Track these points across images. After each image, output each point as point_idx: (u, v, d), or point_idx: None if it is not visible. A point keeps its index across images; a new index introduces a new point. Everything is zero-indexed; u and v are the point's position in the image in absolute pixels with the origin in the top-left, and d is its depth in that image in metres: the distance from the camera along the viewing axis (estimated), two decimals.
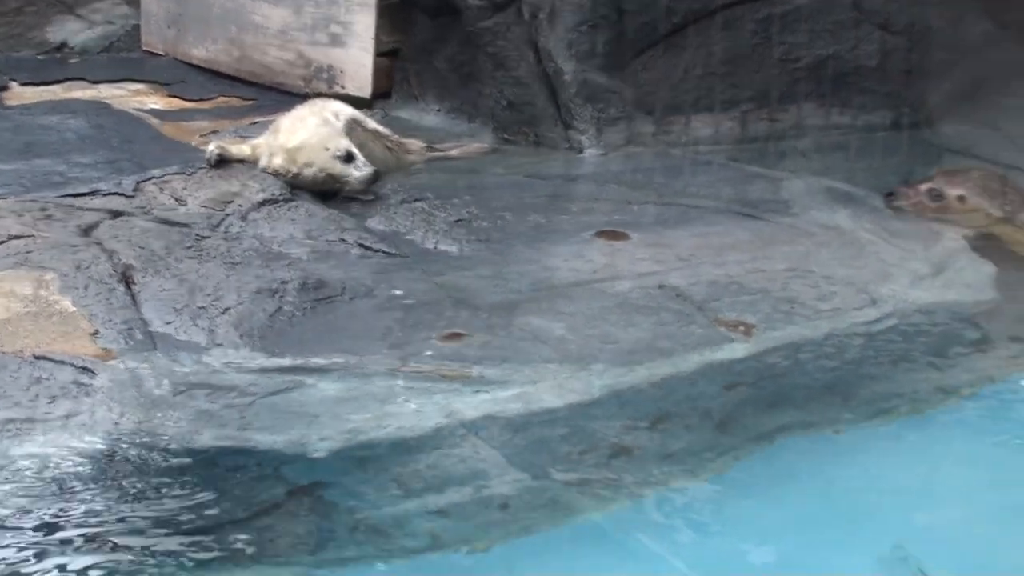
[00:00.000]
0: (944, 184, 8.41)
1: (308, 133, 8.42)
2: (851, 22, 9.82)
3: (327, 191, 8.31)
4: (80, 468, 5.41)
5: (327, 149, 8.32)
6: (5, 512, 5.11)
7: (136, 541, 5.03)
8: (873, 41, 9.85)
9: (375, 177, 8.33)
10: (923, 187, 8.41)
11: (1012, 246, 8.01)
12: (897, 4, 9.88)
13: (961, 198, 8.33)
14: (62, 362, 6.08)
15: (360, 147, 8.59)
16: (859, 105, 9.97)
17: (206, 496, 5.30)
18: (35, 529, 5.03)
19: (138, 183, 8.22)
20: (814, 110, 9.92)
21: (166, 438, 5.61)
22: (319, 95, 9.88)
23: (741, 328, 6.77)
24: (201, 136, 9.54)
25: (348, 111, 8.88)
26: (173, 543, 5.04)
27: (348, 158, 8.30)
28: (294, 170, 8.31)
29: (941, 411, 6.25)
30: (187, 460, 5.50)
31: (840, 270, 7.45)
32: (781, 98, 9.78)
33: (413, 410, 5.89)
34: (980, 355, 6.75)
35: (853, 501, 5.59)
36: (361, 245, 7.66)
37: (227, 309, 6.74)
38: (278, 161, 8.37)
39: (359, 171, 8.29)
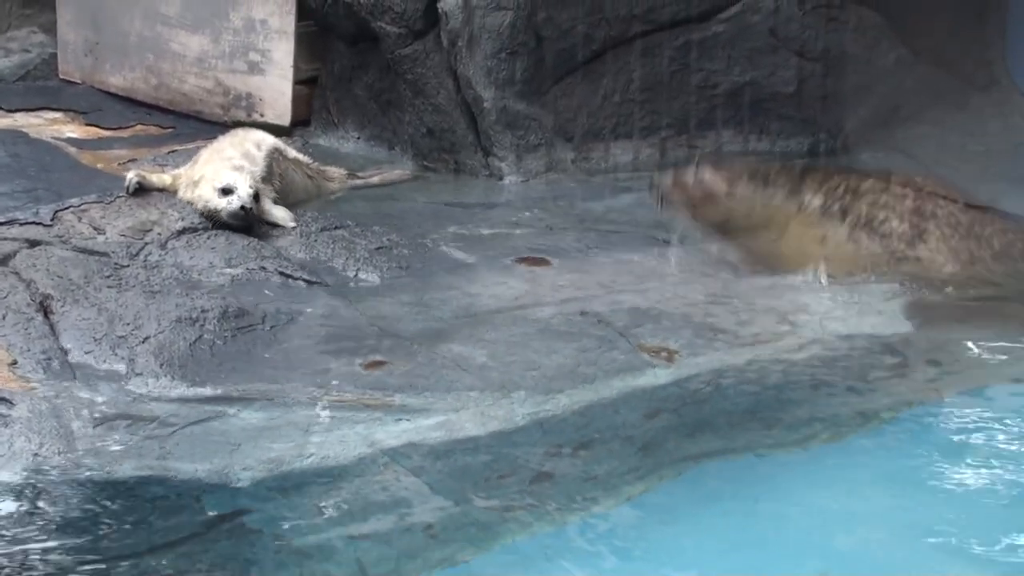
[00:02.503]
0: (710, 174, 8.09)
1: (213, 168, 8.38)
2: (768, 49, 9.90)
3: (217, 224, 8.21)
4: None
5: (212, 183, 8.26)
6: None
7: (56, 571, 5.01)
8: (790, 68, 9.94)
9: (244, 214, 8.15)
10: (688, 178, 8.06)
11: (799, 241, 7.95)
12: (813, 31, 9.96)
13: (729, 189, 8.03)
14: None
15: (281, 177, 8.61)
16: (777, 131, 10.04)
17: (126, 525, 5.29)
18: None
19: (56, 212, 8.16)
20: (732, 136, 9.99)
21: (86, 469, 5.60)
22: (238, 123, 9.89)
23: (663, 354, 6.82)
24: (119, 164, 9.48)
25: (270, 140, 8.88)
26: (92, 572, 5.02)
27: (226, 191, 8.22)
28: (195, 203, 8.27)
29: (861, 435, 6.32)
30: (107, 490, 5.49)
31: (761, 298, 7.51)
32: (699, 124, 9.84)
33: (335, 439, 5.89)
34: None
35: (776, 525, 5.61)
36: (281, 273, 7.65)
37: (147, 338, 6.72)
38: (188, 193, 8.35)
39: (229, 204, 8.16)
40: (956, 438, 6.36)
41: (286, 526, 5.35)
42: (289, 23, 10.23)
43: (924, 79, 10.43)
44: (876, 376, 6.79)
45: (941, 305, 7.47)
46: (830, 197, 7.79)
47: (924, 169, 8.45)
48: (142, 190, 8.49)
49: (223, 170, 8.36)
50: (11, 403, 6.00)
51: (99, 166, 9.51)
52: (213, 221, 8.19)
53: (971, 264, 7.63)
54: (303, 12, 10.24)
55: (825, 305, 7.44)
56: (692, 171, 7.97)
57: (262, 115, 10.39)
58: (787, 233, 7.81)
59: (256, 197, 8.24)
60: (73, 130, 10.45)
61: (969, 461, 6.18)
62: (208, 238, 8.01)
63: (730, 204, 7.88)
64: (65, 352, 6.59)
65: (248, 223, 8.20)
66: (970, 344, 7.12)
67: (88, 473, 5.57)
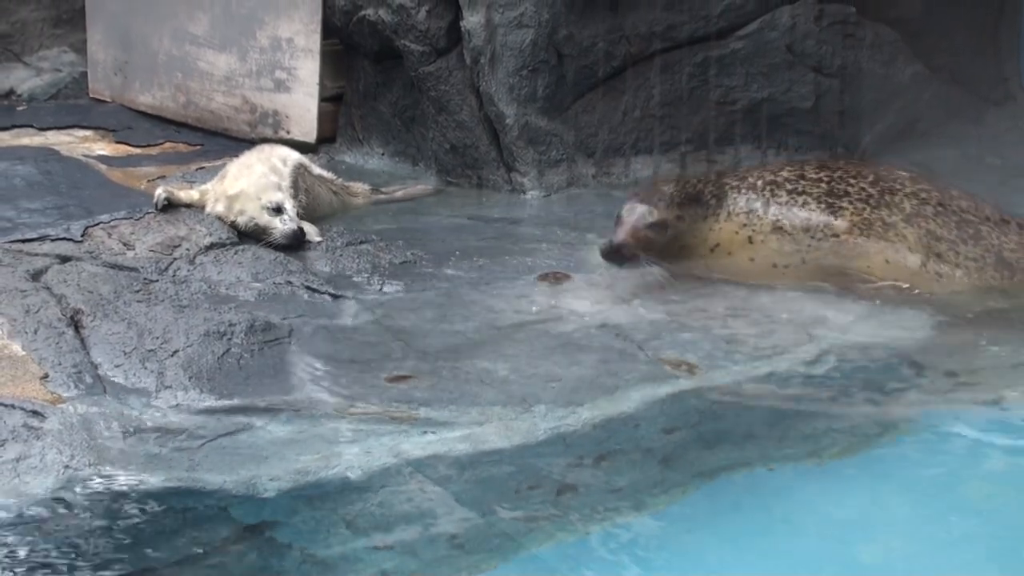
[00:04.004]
0: (650, 210, 7.86)
1: (248, 182, 8.50)
2: (785, 65, 9.92)
3: (257, 240, 8.36)
4: (30, 510, 5.43)
5: (259, 199, 8.39)
6: None
7: None
8: (807, 83, 9.96)
9: (300, 234, 8.37)
10: (635, 222, 7.85)
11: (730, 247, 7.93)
12: (830, 47, 9.97)
13: (676, 214, 7.85)
14: (12, 406, 6.11)
15: (306, 192, 8.68)
16: (794, 146, 10.04)
17: (156, 536, 5.33)
18: None
19: (86, 228, 8.26)
20: (751, 151, 9.98)
21: (116, 481, 5.64)
22: (264, 140, 9.95)
23: (683, 367, 6.84)
24: (148, 181, 9.56)
25: (295, 157, 8.96)
26: None
27: (277, 211, 8.37)
28: (231, 218, 8.41)
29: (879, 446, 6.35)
30: (137, 502, 5.53)
31: (780, 310, 7.55)
32: (719, 140, 9.86)
33: (361, 451, 5.93)
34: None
35: (795, 535, 5.64)
36: (307, 287, 7.70)
37: (176, 352, 6.77)
38: (220, 208, 8.48)
39: (284, 225, 8.33)
40: (973, 448, 6.35)
41: (313, 537, 5.39)
42: (315, 42, 10.31)
43: (940, 95, 10.43)
44: (893, 387, 6.79)
45: (958, 316, 7.46)
46: (751, 193, 7.85)
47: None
48: (171, 206, 8.60)
49: (268, 188, 8.46)
50: (43, 416, 6.05)
51: (129, 183, 9.59)
52: (252, 236, 8.36)
53: (885, 231, 7.69)
54: (328, 31, 10.32)
55: (844, 316, 7.42)
56: (632, 214, 7.83)
57: (288, 132, 10.47)
58: (721, 243, 7.86)
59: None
60: (103, 148, 10.54)
61: (987, 471, 6.20)
62: (235, 253, 8.09)
63: (678, 228, 7.85)
64: (95, 366, 6.64)
65: (299, 241, 8.35)
66: (987, 354, 7.12)
67: (118, 485, 5.62)
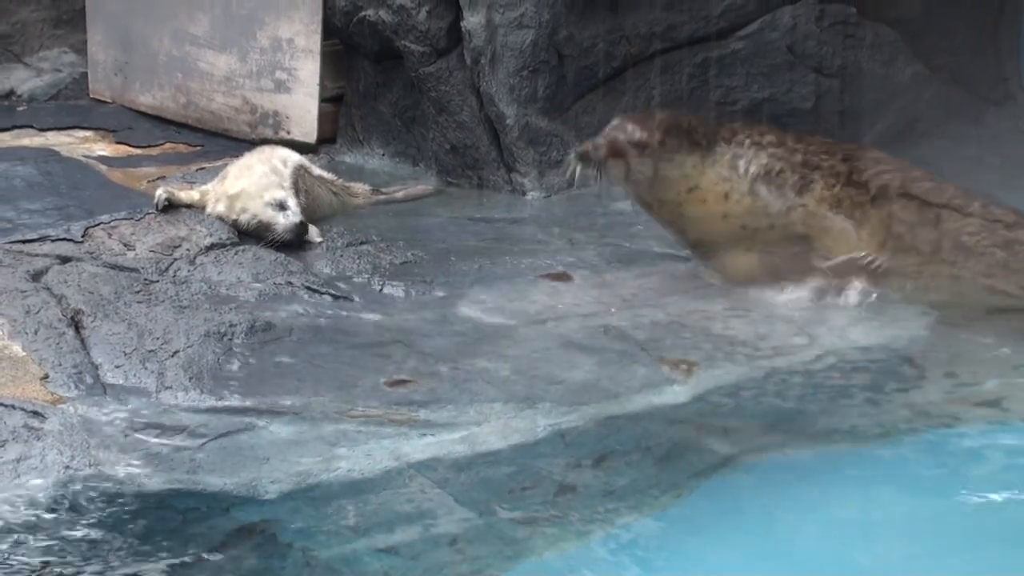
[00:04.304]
0: (639, 126, 7.80)
1: (250, 181, 8.51)
2: (786, 65, 9.93)
3: (262, 239, 8.38)
4: (31, 511, 5.44)
5: (262, 197, 8.41)
6: None
7: None
8: (807, 84, 9.97)
9: (302, 228, 8.39)
10: (619, 133, 7.79)
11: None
12: (830, 48, 9.98)
13: (660, 139, 7.77)
14: (12, 406, 6.11)
15: (306, 192, 8.69)
16: None
17: (157, 538, 5.34)
18: None
19: (87, 229, 8.27)
20: None
21: (117, 481, 5.65)
22: (265, 141, 9.96)
23: (683, 367, 6.85)
24: (149, 182, 9.57)
25: (295, 158, 8.97)
26: None
27: (280, 206, 8.39)
28: (233, 217, 8.43)
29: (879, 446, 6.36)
30: (137, 503, 5.54)
31: (780, 310, 7.55)
32: None
33: (362, 452, 5.93)
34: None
35: (796, 536, 5.65)
36: (308, 288, 7.71)
37: (176, 352, 6.79)
38: (221, 207, 8.49)
39: (286, 219, 8.36)
40: (974, 449, 6.36)
41: (313, 538, 5.39)
42: (315, 42, 10.32)
43: (940, 95, 10.43)
44: (894, 387, 6.80)
45: (959, 317, 7.48)
46: (739, 149, 7.84)
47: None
48: (171, 207, 8.61)
49: (270, 186, 8.48)
50: (43, 416, 6.06)
51: (129, 184, 9.60)
52: (254, 234, 8.39)
53: (852, 210, 7.70)
54: (329, 31, 10.33)
55: (843, 316, 7.44)
56: (620, 126, 7.81)
57: (289, 133, 10.47)
58: (699, 187, 7.84)
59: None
60: (103, 148, 10.55)
61: (987, 472, 6.22)
62: (236, 254, 8.10)
63: (660, 157, 7.76)
64: (96, 366, 6.65)
65: (302, 236, 8.35)
66: (987, 355, 7.13)
67: (118, 485, 5.62)
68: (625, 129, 7.77)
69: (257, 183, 8.51)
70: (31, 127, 10.89)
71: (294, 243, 8.36)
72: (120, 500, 5.55)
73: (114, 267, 7.75)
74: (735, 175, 7.75)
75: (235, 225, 8.44)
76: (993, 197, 7.90)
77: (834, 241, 7.67)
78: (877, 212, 7.66)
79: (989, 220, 7.72)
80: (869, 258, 7.61)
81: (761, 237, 7.74)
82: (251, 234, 8.42)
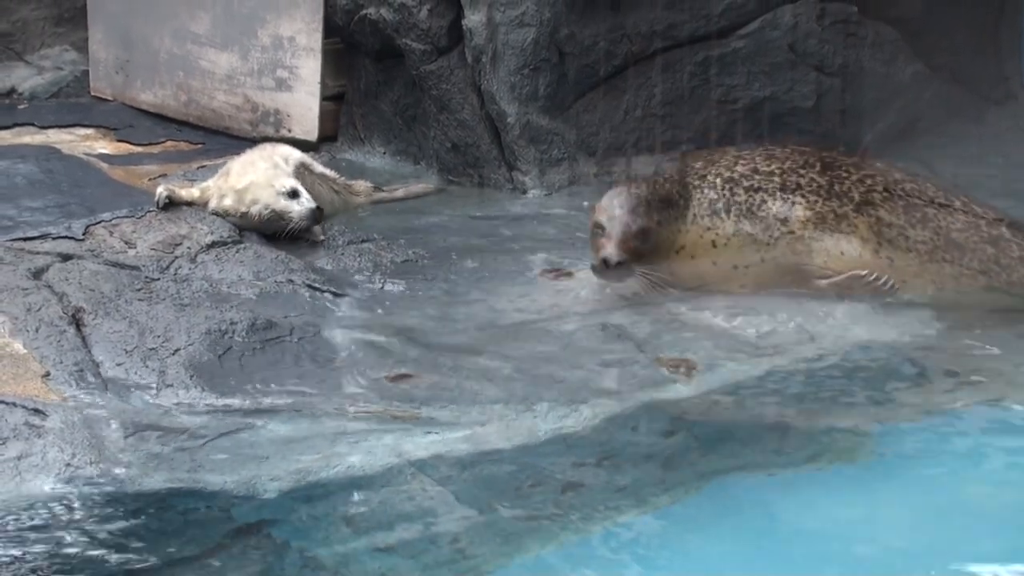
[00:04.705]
0: (633, 214, 7.73)
1: (256, 174, 8.51)
2: (787, 64, 9.93)
3: (274, 230, 8.39)
4: (31, 509, 5.44)
5: (272, 186, 8.41)
6: None
7: None
8: (808, 82, 9.97)
9: (318, 213, 8.41)
10: (625, 236, 7.68)
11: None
12: (831, 46, 9.99)
13: (656, 219, 7.74)
14: (13, 404, 6.12)
15: (308, 190, 8.68)
16: (793, 144, 10.06)
17: (157, 536, 5.34)
18: None
19: (88, 227, 8.26)
20: None
21: (118, 480, 5.65)
22: (266, 139, 9.96)
23: (684, 366, 6.85)
24: (150, 180, 9.58)
25: (296, 155, 8.98)
26: None
27: (292, 194, 8.39)
28: (243, 209, 8.41)
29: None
30: (138, 501, 5.54)
31: (781, 309, 7.56)
32: (720, 139, 9.82)
33: (363, 450, 5.93)
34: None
35: (797, 534, 5.65)
36: (309, 286, 7.71)
37: (177, 350, 6.79)
38: (228, 202, 8.47)
39: (301, 206, 8.36)
40: (975, 448, 6.38)
41: (313, 537, 5.40)
42: (316, 40, 10.32)
43: (941, 94, 10.44)
44: (895, 387, 6.81)
45: (959, 315, 7.48)
46: (713, 192, 7.82)
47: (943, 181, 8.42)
48: (172, 204, 8.60)
49: (279, 176, 8.49)
50: (44, 414, 6.06)
51: (130, 182, 9.60)
52: (265, 226, 8.42)
53: (837, 223, 7.69)
54: (330, 29, 10.34)
55: (845, 316, 7.44)
56: (615, 225, 7.69)
57: (290, 131, 10.48)
58: (686, 245, 7.83)
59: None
60: (105, 146, 10.56)
61: (988, 471, 6.22)
62: (237, 251, 8.10)
63: (657, 232, 7.73)
64: (97, 364, 6.66)
65: (318, 222, 8.43)
66: (988, 354, 7.13)
67: (119, 484, 5.62)
68: (626, 226, 7.66)
69: (265, 174, 8.51)
70: (32, 125, 10.90)
71: (307, 230, 8.36)
72: (121, 498, 5.55)
73: (115, 265, 7.74)
74: (717, 220, 7.74)
75: (244, 218, 8.42)
76: (972, 195, 7.95)
77: (827, 259, 7.67)
78: (864, 219, 7.67)
79: (973, 216, 7.74)
80: (872, 276, 7.62)
81: (754, 272, 7.73)
82: (262, 226, 8.41)
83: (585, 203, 8.84)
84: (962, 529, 5.71)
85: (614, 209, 7.74)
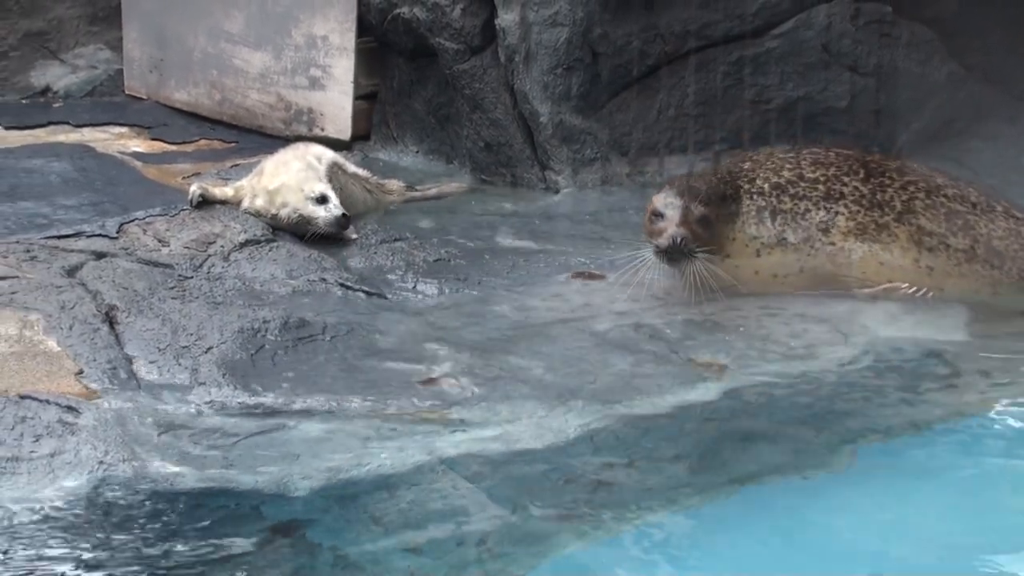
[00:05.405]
0: (694, 205, 7.68)
1: (289, 176, 8.53)
2: (821, 64, 9.90)
3: (302, 233, 8.41)
4: (64, 506, 5.46)
5: (302, 191, 8.43)
6: None
7: None
8: (843, 83, 9.94)
9: (344, 220, 8.42)
10: (688, 217, 7.63)
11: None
12: (865, 46, 9.95)
13: (716, 211, 7.72)
14: (47, 401, 6.13)
15: (340, 190, 8.70)
16: (830, 145, 10.02)
17: (189, 535, 5.35)
18: (18, 568, 5.08)
19: (121, 225, 8.29)
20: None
21: (150, 478, 5.66)
22: (299, 138, 9.98)
23: (716, 367, 6.84)
24: (183, 178, 9.61)
25: (329, 155, 8.99)
26: None
27: (321, 200, 8.41)
28: (273, 211, 8.44)
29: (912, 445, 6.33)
30: (170, 500, 5.55)
31: (813, 310, 7.53)
32: (753, 139, 9.80)
33: (394, 449, 5.93)
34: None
35: (828, 534, 5.65)
36: (342, 285, 7.73)
37: (210, 348, 6.80)
38: (260, 202, 8.50)
39: (328, 212, 8.38)
40: (1008, 448, 6.37)
41: (344, 536, 5.40)
42: (349, 40, 10.34)
43: (976, 94, 10.38)
44: (927, 387, 6.79)
45: (991, 316, 7.47)
46: (761, 200, 7.80)
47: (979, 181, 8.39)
48: (205, 203, 8.63)
49: (310, 179, 8.51)
50: (77, 411, 6.07)
51: (164, 180, 9.63)
52: (294, 229, 8.42)
53: (878, 233, 7.67)
54: (363, 28, 10.35)
55: (878, 317, 7.43)
56: (676, 209, 7.64)
57: (323, 130, 10.50)
58: (732, 253, 7.79)
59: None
60: (139, 145, 10.60)
61: (1021, 471, 6.21)
62: (270, 250, 8.11)
63: (715, 225, 7.70)
64: (130, 362, 6.67)
65: (344, 229, 8.42)
66: (1021, 354, 7.13)
67: (152, 482, 5.63)
68: (687, 209, 7.60)
69: (296, 177, 8.53)
70: (67, 123, 10.94)
71: (335, 236, 8.37)
72: (153, 496, 5.56)
73: (148, 263, 7.77)
74: (763, 229, 7.74)
75: (274, 220, 8.46)
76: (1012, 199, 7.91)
77: (866, 270, 7.65)
78: (905, 229, 7.65)
79: (1015, 222, 7.72)
80: (911, 289, 7.61)
81: (792, 281, 7.72)
82: (291, 228, 8.44)
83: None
84: (996, 531, 5.70)
85: (674, 196, 7.71)
